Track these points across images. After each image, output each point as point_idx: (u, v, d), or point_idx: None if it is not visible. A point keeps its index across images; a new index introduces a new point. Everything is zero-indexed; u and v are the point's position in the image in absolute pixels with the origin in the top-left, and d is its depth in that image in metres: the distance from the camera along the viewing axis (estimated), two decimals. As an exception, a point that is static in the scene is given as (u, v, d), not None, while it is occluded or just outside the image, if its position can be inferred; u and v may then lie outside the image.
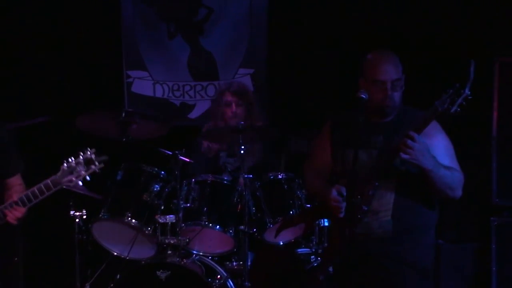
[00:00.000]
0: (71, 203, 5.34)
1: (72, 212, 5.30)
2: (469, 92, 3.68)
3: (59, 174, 3.94)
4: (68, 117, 5.58)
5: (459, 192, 3.93)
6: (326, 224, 5.20)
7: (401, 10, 6.20)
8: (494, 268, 5.50)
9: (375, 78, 3.92)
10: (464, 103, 3.68)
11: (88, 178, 3.95)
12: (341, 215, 3.89)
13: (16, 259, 5.59)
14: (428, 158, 3.77)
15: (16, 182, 4.34)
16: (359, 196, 3.87)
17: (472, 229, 5.86)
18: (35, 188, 4.00)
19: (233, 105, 5.67)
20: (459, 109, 3.68)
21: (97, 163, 3.93)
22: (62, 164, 3.94)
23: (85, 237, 5.36)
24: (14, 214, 4.09)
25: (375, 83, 3.92)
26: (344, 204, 3.87)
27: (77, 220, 5.30)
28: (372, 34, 6.18)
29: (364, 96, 3.89)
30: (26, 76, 6.54)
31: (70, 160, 3.93)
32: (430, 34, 6.14)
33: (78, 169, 3.91)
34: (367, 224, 3.90)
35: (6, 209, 4.10)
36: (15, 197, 4.08)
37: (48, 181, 3.96)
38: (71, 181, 3.93)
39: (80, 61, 6.56)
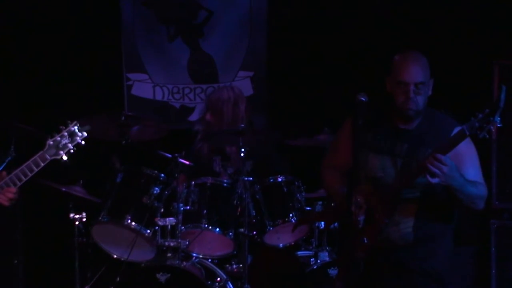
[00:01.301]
0: (71, 206, 5.34)
1: (72, 215, 5.31)
2: (499, 119, 3.58)
3: (45, 149, 4.02)
4: (68, 120, 5.58)
5: (481, 205, 3.88)
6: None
7: (400, 12, 6.21)
8: (493, 271, 5.49)
9: (399, 79, 3.84)
10: (492, 129, 3.59)
11: (72, 150, 4.00)
12: (359, 226, 3.83)
13: (16, 261, 5.59)
14: (456, 178, 3.70)
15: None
16: (380, 209, 3.82)
17: (471, 232, 5.85)
18: (23, 166, 4.04)
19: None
20: (487, 135, 3.60)
21: (80, 134, 3.99)
22: (47, 139, 3.98)
23: (85, 239, 5.36)
24: (6, 196, 4.10)
25: (399, 84, 3.84)
26: (362, 218, 3.83)
27: (77, 222, 5.31)
28: (372, 35, 6.19)
29: (363, 99, 3.80)
30: (26, 79, 6.54)
31: (54, 134, 4.00)
32: (429, 36, 6.14)
33: (63, 142, 3.99)
34: (387, 235, 3.86)
35: None
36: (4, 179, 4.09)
37: (36, 157, 4.02)
38: (58, 154, 4.00)
39: (80, 64, 6.56)
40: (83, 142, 4.01)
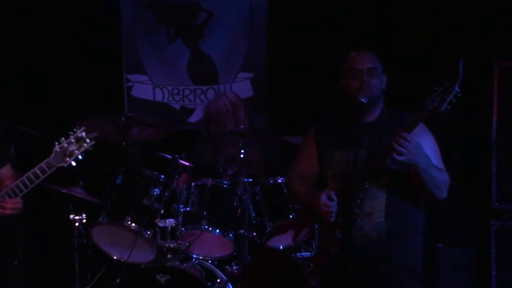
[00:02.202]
0: (71, 207, 5.34)
1: (72, 216, 5.31)
2: (458, 89, 3.69)
3: (52, 156, 3.96)
4: (68, 121, 5.58)
5: (445, 193, 3.92)
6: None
7: (401, 12, 6.21)
8: (493, 272, 5.50)
9: (352, 67, 3.99)
10: (454, 100, 3.69)
11: (80, 157, 3.96)
12: (332, 220, 3.87)
13: (16, 262, 5.59)
14: (422, 157, 3.77)
15: (7, 174, 4.32)
16: (350, 199, 3.86)
17: (471, 233, 5.85)
18: (30, 173, 3.98)
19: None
20: (449, 107, 3.68)
21: (88, 140, 3.95)
22: (54, 146, 3.96)
23: (85, 241, 5.37)
24: (7, 206, 4.07)
25: (352, 73, 3.97)
26: (334, 209, 3.87)
27: (77, 224, 5.31)
28: (372, 36, 6.19)
29: (364, 100, 3.88)
30: (26, 79, 6.55)
31: (61, 141, 3.95)
32: (430, 37, 6.14)
33: (70, 148, 3.94)
34: (360, 227, 3.88)
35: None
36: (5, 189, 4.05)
37: (43, 164, 3.97)
38: (65, 161, 3.95)
39: (80, 65, 6.57)
40: (91, 148, 3.97)
